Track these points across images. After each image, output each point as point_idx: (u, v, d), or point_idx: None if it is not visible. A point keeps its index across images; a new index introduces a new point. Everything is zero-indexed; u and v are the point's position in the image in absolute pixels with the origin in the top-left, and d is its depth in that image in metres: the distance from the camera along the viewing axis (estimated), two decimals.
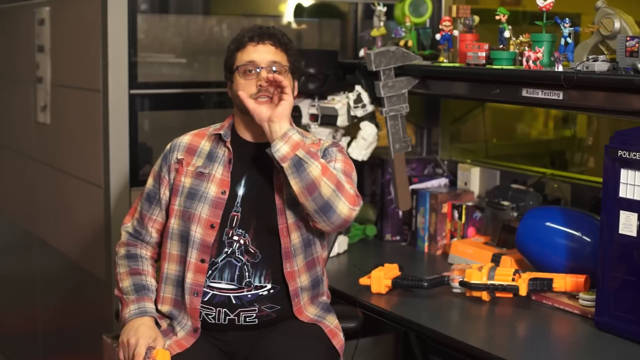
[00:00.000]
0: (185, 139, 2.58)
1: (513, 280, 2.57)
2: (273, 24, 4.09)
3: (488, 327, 2.48)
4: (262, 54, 2.47)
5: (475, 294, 2.62)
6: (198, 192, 2.48)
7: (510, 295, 2.60)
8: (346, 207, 2.37)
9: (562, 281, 2.54)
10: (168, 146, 2.60)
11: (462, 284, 2.63)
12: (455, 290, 2.67)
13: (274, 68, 2.46)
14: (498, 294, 2.61)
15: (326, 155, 2.53)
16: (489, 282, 2.59)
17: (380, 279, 2.75)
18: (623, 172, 2.28)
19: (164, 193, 2.55)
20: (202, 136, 2.58)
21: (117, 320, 2.67)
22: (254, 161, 2.52)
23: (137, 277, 2.52)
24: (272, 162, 2.41)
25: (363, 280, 2.79)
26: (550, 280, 2.55)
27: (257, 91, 2.44)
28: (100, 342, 3.44)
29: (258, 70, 2.45)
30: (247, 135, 2.55)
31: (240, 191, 2.49)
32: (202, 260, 2.45)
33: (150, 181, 2.60)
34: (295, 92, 2.58)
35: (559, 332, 2.40)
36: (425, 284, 2.69)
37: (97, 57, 3.47)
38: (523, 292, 2.55)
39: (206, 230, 2.45)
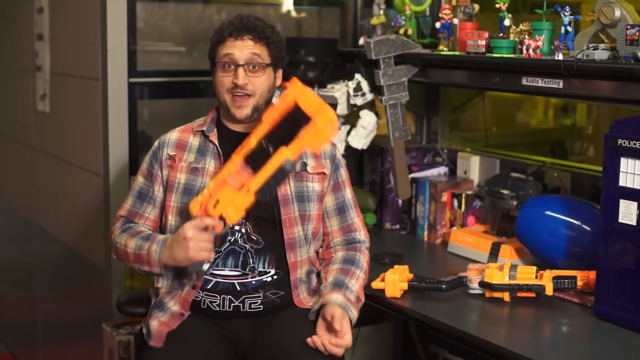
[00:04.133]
0: (174, 135, 2.57)
1: (536, 277, 2.47)
2: (272, 12, 4.10)
3: (486, 316, 2.48)
4: (241, 50, 2.46)
5: (496, 294, 2.51)
6: (194, 187, 2.48)
7: (534, 295, 2.48)
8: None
9: (587, 278, 2.45)
10: (156, 143, 2.58)
11: (483, 284, 2.51)
12: (472, 292, 2.55)
13: (252, 65, 2.46)
14: (520, 294, 2.49)
15: (336, 171, 2.60)
16: (512, 282, 2.47)
17: (396, 283, 2.55)
18: (623, 160, 2.28)
19: (158, 190, 2.54)
20: (188, 131, 2.57)
21: (117, 310, 2.68)
22: None
23: (139, 234, 2.49)
24: None
25: (376, 284, 2.60)
26: (575, 278, 2.46)
27: (233, 87, 2.46)
28: (100, 331, 3.45)
29: (236, 66, 2.46)
30: (233, 126, 2.56)
31: None
32: None
33: (140, 179, 2.58)
34: (279, 81, 2.59)
35: (559, 321, 2.40)
36: (444, 286, 2.55)
37: (96, 45, 3.47)
38: (549, 291, 2.44)
39: None
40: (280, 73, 2.59)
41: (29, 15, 4.20)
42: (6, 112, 4.78)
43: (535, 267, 2.51)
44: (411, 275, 2.60)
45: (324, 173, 2.57)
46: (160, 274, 2.46)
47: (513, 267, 2.50)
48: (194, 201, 2.33)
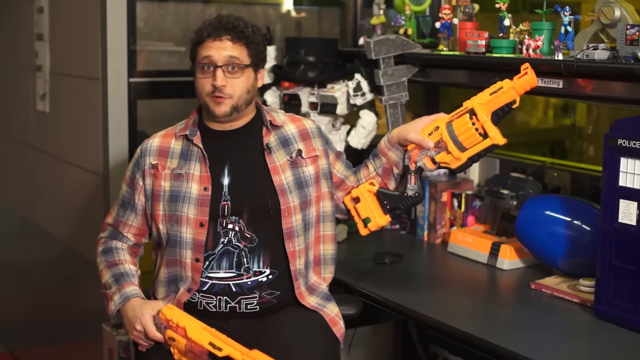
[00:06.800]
0: (155, 141, 2.56)
1: (477, 130, 2.41)
2: (272, 12, 4.10)
3: (487, 316, 2.48)
4: (219, 51, 2.44)
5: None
6: (180, 194, 2.47)
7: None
8: None
9: (511, 89, 2.37)
10: (138, 150, 2.57)
11: (438, 164, 2.47)
12: (430, 170, 2.50)
13: (231, 66, 2.45)
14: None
15: (329, 143, 2.65)
16: (466, 153, 2.43)
17: (379, 225, 2.54)
18: (623, 160, 2.28)
19: (139, 199, 2.54)
20: (170, 136, 2.56)
21: (117, 310, 2.67)
22: (232, 148, 2.53)
23: (114, 268, 2.51)
24: (255, 145, 2.50)
25: (365, 232, 2.56)
26: (510, 105, 2.38)
27: (212, 90, 2.45)
28: (100, 331, 3.45)
29: (215, 67, 2.45)
30: (216, 125, 2.55)
31: (226, 181, 2.48)
32: (197, 260, 2.45)
33: (123, 187, 2.59)
34: (262, 81, 2.57)
35: (559, 321, 2.40)
36: (419, 194, 2.50)
37: (96, 45, 3.47)
38: (500, 141, 2.39)
39: (196, 229, 2.45)
40: (262, 73, 2.57)
41: (29, 15, 4.20)
42: (6, 112, 4.78)
43: (468, 119, 2.42)
44: (374, 189, 2.54)
45: (316, 155, 2.58)
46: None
47: (451, 134, 2.45)
48: (168, 307, 2.33)
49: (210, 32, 2.45)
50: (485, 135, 2.41)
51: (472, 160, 2.45)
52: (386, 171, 2.59)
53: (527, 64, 2.38)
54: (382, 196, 2.55)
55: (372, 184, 2.57)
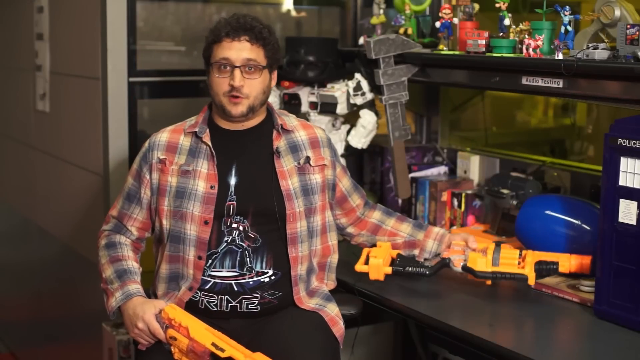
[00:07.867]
0: (164, 136, 2.56)
1: (519, 264, 2.50)
2: (272, 12, 4.09)
3: (488, 316, 2.48)
4: (237, 51, 2.44)
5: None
6: (186, 190, 2.47)
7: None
8: None
9: (567, 263, 2.49)
10: (146, 144, 2.57)
11: (466, 269, 2.53)
12: (456, 270, 2.57)
13: (248, 67, 2.45)
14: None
15: (336, 155, 2.68)
16: (495, 269, 2.50)
17: (379, 267, 2.57)
18: (623, 160, 2.28)
19: (145, 193, 2.54)
20: (179, 132, 2.56)
21: (117, 309, 2.67)
22: (241, 148, 2.53)
23: (117, 263, 2.50)
24: (264, 148, 2.50)
25: (360, 267, 2.59)
26: (556, 265, 2.49)
27: (229, 90, 2.44)
28: (100, 330, 3.45)
29: (232, 67, 2.45)
30: (226, 124, 2.55)
31: (233, 180, 2.48)
32: (199, 257, 2.45)
33: (129, 180, 2.58)
34: (274, 82, 2.58)
35: (559, 320, 2.40)
36: (427, 272, 2.55)
37: (96, 44, 3.47)
38: (532, 281, 2.46)
39: (200, 227, 2.45)
40: (275, 74, 2.58)
41: (29, 15, 4.20)
42: (6, 111, 4.78)
43: (517, 251, 2.53)
44: (394, 253, 2.61)
45: (324, 164, 2.58)
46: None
47: (496, 249, 2.53)
48: (170, 306, 2.34)
49: (229, 31, 2.45)
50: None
51: (494, 274, 2.50)
52: (411, 245, 2.70)
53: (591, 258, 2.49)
54: (398, 256, 2.62)
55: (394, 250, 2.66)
